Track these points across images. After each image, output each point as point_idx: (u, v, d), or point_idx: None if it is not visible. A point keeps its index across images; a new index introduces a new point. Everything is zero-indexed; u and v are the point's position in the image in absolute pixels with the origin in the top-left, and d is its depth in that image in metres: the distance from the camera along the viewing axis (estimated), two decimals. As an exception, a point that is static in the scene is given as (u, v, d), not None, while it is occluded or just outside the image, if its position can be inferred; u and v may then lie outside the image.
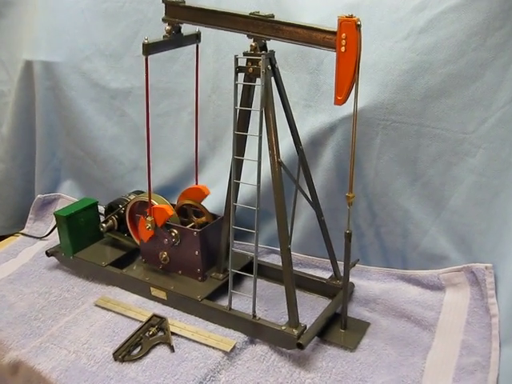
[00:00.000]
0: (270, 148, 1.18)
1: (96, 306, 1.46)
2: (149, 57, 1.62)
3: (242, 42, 1.52)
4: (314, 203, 1.33)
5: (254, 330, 1.29)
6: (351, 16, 1.02)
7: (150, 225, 1.41)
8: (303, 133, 1.39)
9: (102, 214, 1.70)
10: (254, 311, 1.29)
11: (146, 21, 1.64)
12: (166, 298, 1.43)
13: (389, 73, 1.28)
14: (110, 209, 1.66)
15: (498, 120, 1.24)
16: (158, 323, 1.35)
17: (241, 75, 1.28)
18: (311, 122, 1.39)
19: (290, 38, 1.12)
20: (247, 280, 1.54)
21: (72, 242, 1.59)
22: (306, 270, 1.55)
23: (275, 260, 1.60)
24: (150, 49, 1.24)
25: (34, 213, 1.90)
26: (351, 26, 1.02)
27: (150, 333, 1.32)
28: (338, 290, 1.41)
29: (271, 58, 1.18)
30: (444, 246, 1.36)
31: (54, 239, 1.79)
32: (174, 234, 1.43)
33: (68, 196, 1.91)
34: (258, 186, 1.20)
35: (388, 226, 1.40)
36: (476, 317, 1.29)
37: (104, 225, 1.62)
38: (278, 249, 1.58)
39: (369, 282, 1.46)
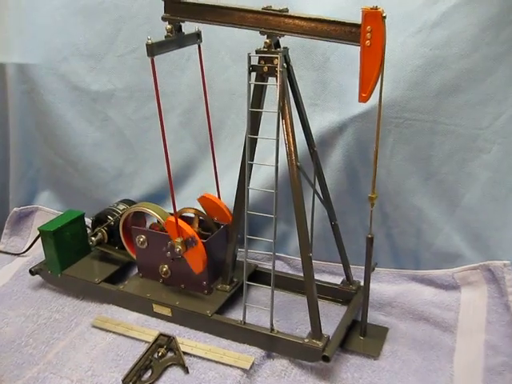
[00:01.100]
0: (289, 151, 1.11)
1: (93, 327, 1.36)
2: (131, 56, 1.57)
3: (234, 39, 1.46)
4: (328, 207, 1.28)
5: (272, 343, 1.23)
6: (376, 7, 0.95)
7: (180, 247, 1.29)
8: (319, 127, 1.33)
9: (88, 227, 1.58)
10: (271, 324, 1.22)
11: (129, 18, 1.52)
12: (170, 315, 1.34)
13: (401, 69, 1.23)
14: (98, 221, 1.54)
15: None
16: (166, 343, 1.26)
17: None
18: (318, 121, 1.33)
19: (308, 33, 1.04)
20: (252, 290, 1.47)
21: (60, 259, 1.47)
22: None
23: (278, 267, 1.53)
24: (154, 49, 1.14)
25: (10, 227, 1.77)
26: (377, 18, 0.95)
27: (160, 354, 1.23)
28: (352, 295, 1.37)
29: (286, 56, 1.11)
30: (458, 245, 1.33)
31: (34, 255, 1.67)
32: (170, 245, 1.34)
33: (46, 208, 1.78)
34: (276, 193, 1.13)
35: (400, 226, 1.36)
36: (496, 315, 1.27)
37: (93, 238, 1.51)
38: (282, 255, 1.55)
39: (380, 284, 1.41)
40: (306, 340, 1.18)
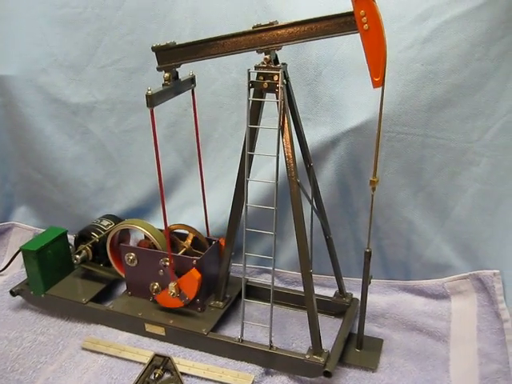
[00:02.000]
0: (289, 168, 1.11)
1: (83, 349, 1.31)
2: (113, 67, 1.53)
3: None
4: (324, 221, 1.28)
5: (271, 360, 1.22)
6: None
7: (174, 291, 1.28)
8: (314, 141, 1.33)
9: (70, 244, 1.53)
10: (270, 341, 1.21)
11: (111, 28, 1.48)
12: (164, 334, 1.31)
13: (393, 84, 1.24)
14: (82, 238, 1.49)
15: (500, 128, 1.25)
16: (162, 363, 1.23)
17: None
18: (310, 135, 1.32)
19: (305, 37, 1.02)
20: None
21: (43, 279, 1.41)
22: (302, 288, 1.49)
23: (268, 280, 1.52)
24: (154, 100, 1.12)
25: (-16, 246, 1.68)
26: (367, 0, 0.94)
27: (156, 375, 1.21)
28: (345, 307, 1.38)
29: (285, 71, 1.10)
30: (448, 255, 1.36)
31: (12, 274, 1.61)
32: (167, 264, 1.31)
33: (23, 224, 1.71)
34: (276, 210, 1.13)
35: (391, 238, 1.38)
36: (486, 323, 1.30)
37: (77, 256, 1.46)
38: (270, 268, 1.53)
39: (371, 295, 1.40)
40: (307, 356, 1.18)
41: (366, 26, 0.96)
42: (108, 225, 1.51)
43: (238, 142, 1.48)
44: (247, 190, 1.18)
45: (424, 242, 1.37)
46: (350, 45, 1.27)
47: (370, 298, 1.41)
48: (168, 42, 1.16)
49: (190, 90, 1.31)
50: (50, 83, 1.54)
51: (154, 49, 1.16)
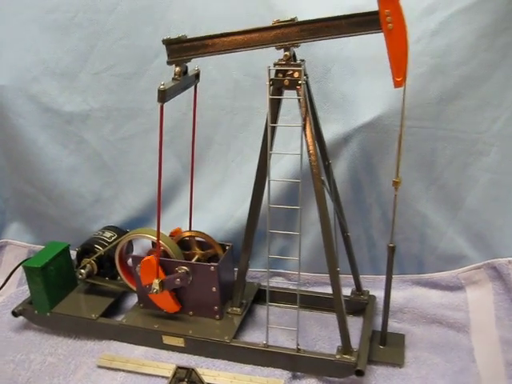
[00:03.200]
0: (312, 166, 1.09)
1: (99, 367, 1.25)
2: (107, 73, 1.47)
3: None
4: (342, 219, 1.26)
5: (299, 363, 1.19)
6: None
7: (157, 288, 1.24)
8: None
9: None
10: (297, 344, 1.19)
11: (104, 32, 1.42)
12: (183, 345, 1.26)
13: (403, 77, 1.25)
14: (85, 251, 1.43)
15: (508, 118, 1.27)
16: (186, 376, 1.18)
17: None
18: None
19: (328, 35, 1.01)
20: (258, 309, 1.43)
21: (49, 297, 1.34)
22: (316, 288, 1.47)
23: (279, 283, 1.50)
24: (166, 96, 1.08)
25: (-23, 265, 1.60)
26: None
27: (183, 388, 1.16)
28: (364, 305, 1.37)
29: (304, 68, 1.09)
30: (462, 246, 1.37)
31: (9, 294, 1.52)
32: (185, 272, 1.27)
33: (17, 241, 1.64)
34: (300, 210, 1.10)
35: (404, 232, 1.38)
36: (503, 311, 1.31)
37: (82, 271, 1.40)
38: (281, 270, 1.52)
39: (383, 291, 1.42)
40: (338, 356, 1.16)
41: (390, 26, 0.96)
42: (111, 236, 1.46)
43: (242, 144, 1.46)
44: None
45: (438, 234, 1.37)
46: (358, 40, 1.24)
47: (383, 293, 1.43)
48: (179, 36, 1.11)
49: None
50: (42, 92, 1.47)
51: (164, 42, 1.11)
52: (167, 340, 1.27)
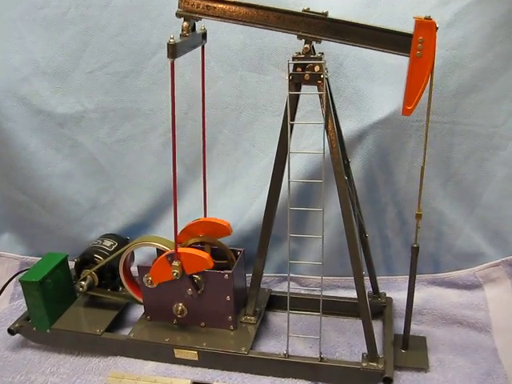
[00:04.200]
0: (335, 163, 1.03)
1: (108, 386, 1.17)
2: (102, 72, 1.39)
3: (225, 47, 1.34)
4: (361, 219, 1.21)
5: (321, 373, 1.14)
6: (429, 17, 0.91)
7: (177, 271, 1.16)
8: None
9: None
10: (320, 353, 1.13)
11: (98, 29, 1.34)
12: (196, 359, 1.19)
13: (419, 71, 1.20)
14: (84, 262, 1.34)
15: (524, 111, 1.25)
16: (204, 391, 1.12)
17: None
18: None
19: (352, 40, 0.97)
20: (271, 316, 1.36)
21: (48, 312, 1.25)
22: (328, 292, 1.42)
23: (290, 288, 1.42)
24: (176, 50, 0.99)
25: (-35, 281, 1.48)
26: (430, 28, 0.92)
27: (201, 405, 1.10)
28: (382, 308, 1.32)
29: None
30: (478, 243, 1.34)
31: (1, 310, 1.43)
32: (196, 281, 1.19)
33: (8, 253, 1.53)
34: (323, 211, 1.05)
35: (421, 231, 1.33)
36: (524, 308, 1.29)
37: (83, 283, 1.31)
38: (292, 275, 1.45)
39: (399, 293, 1.37)
40: (364, 364, 1.11)
41: (418, 54, 0.93)
42: (111, 245, 1.37)
43: (248, 143, 1.39)
44: (290, 193, 1.09)
45: (454, 232, 1.34)
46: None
47: (400, 295, 1.37)
48: None
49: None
50: (33, 93, 1.38)
51: None
52: (179, 354, 1.20)
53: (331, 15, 0.97)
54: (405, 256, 1.38)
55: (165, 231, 1.49)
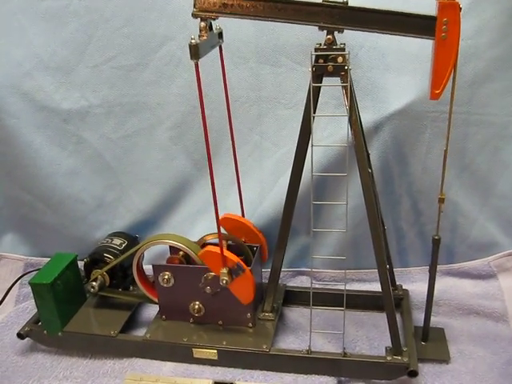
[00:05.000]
0: (359, 157, 1.01)
1: (127, 388, 1.14)
2: (108, 65, 1.35)
3: (235, 39, 1.31)
4: (380, 212, 1.20)
5: (345, 368, 1.12)
6: None
7: (226, 279, 1.13)
8: (342, 134, 1.24)
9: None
10: (344, 348, 1.11)
11: (103, 21, 1.29)
12: (216, 358, 1.17)
13: (435, 61, 1.19)
14: (94, 262, 1.30)
15: (538, 100, 1.25)
16: (226, 391, 1.10)
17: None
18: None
19: (375, 28, 0.94)
20: (287, 312, 1.34)
21: (59, 314, 1.21)
22: (342, 285, 1.40)
23: (304, 282, 1.42)
24: (200, 51, 0.96)
25: (-34, 283, 1.43)
26: (454, 9, 0.89)
27: (225, 405, 1.07)
28: (399, 300, 1.31)
29: (346, 53, 1.01)
30: (493, 233, 1.33)
31: (7, 313, 1.40)
32: (211, 278, 1.17)
33: (11, 254, 1.49)
34: (346, 205, 1.03)
35: (435, 222, 1.32)
36: (538, 296, 1.29)
37: (94, 283, 1.27)
38: (305, 269, 1.44)
39: (414, 284, 1.37)
40: (389, 358, 1.10)
41: (443, 36, 0.91)
42: (121, 243, 1.34)
43: (260, 137, 1.36)
44: (313, 187, 1.06)
45: (469, 222, 1.33)
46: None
47: (414, 286, 1.37)
48: None
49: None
50: (36, 88, 1.33)
51: None
52: (198, 353, 1.17)
53: (351, 3, 0.94)
54: (418, 248, 1.39)
55: (174, 228, 1.46)
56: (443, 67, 0.94)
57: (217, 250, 1.11)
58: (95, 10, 1.29)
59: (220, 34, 1.12)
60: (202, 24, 1.01)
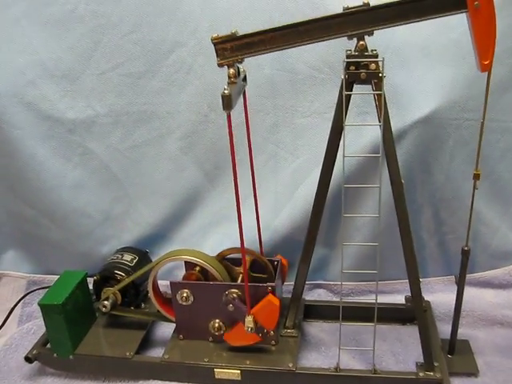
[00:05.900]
0: (392, 169, 0.98)
1: (145, 413, 1.08)
2: (115, 73, 1.29)
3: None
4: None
5: (375, 386, 1.09)
6: None
7: (251, 326, 1.08)
8: (363, 143, 1.21)
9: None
10: (374, 365, 1.08)
11: (110, 26, 1.23)
12: (239, 379, 1.12)
13: (458, 68, 1.16)
14: (104, 279, 1.24)
15: (558, 106, 1.23)
16: (253, 413, 1.05)
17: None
18: (371, 130, 1.20)
19: (403, 20, 0.91)
20: (306, 327, 1.29)
21: (71, 336, 1.15)
22: (360, 298, 1.37)
23: (321, 296, 1.38)
24: (232, 101, 0.92)
25: (-34, 304, 1.35)
26: None
27: (252, 428, 1.02)
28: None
29: (377, 59, 0.97)
30: (515, 241, 1.31)
31: (10, 335, 1.33)
32: (237, 296, 1.12)
33: (14, 272, 1.41)
34: (379, 218, 0.99)
35: (457, 231, 1.30)
36: (562, 305, 1.27)
37: (106, 302, 1.21)
38: (322, 282, 1.40)
39: (434, 295, 1.33)
40: (421, 374, 1.06)
41: (476, 4, 0.87)
42: (132, 259, 1.28)
43: (275, 146, 1.32)
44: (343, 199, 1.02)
45: (491, 231, 1.30)
46: (408, 28, 1.15)
47: (435, 297, 1.34)
48: (232, 32, 0.95)
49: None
50: (41, 97, 1.26)
51: (214, 40, 0.95)
52: (220, 374, 1.12)
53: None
54: (439, 258, 1.36)
55: (184, 241, 1.40)
56: (485, 36, 0.91)
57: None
58: (102, 15, 1.24)
59: (244, 78, 1.07)
60: (231, 71, 0.96)
